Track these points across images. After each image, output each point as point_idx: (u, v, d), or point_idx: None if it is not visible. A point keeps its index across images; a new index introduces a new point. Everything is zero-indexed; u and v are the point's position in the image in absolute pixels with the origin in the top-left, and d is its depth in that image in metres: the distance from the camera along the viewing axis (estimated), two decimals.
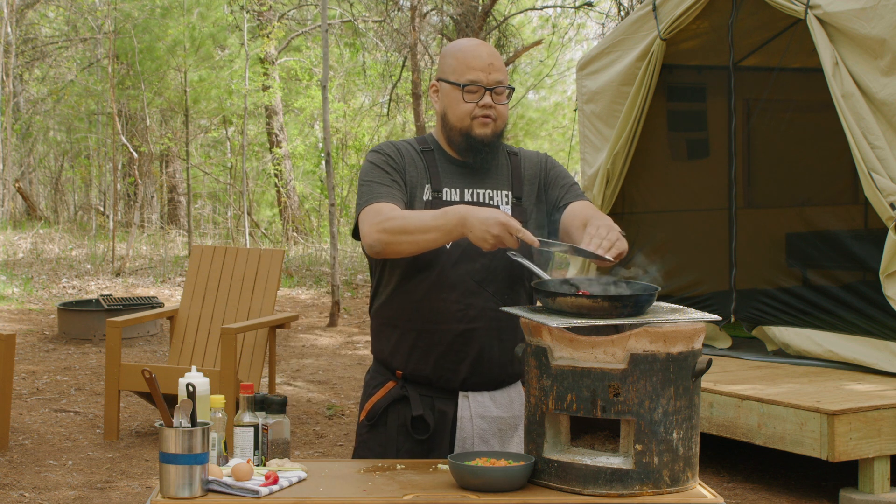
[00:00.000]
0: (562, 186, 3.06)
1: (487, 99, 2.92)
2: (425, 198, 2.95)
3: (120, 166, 19.21)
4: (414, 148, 3.02)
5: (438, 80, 3.00)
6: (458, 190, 2.97)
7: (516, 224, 2.66)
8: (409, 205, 2.94)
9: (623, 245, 2.70)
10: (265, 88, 18.03)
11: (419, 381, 2.95)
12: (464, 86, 2.91)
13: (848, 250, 6.80)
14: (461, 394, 2.94)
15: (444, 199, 2.94)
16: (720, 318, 3.14)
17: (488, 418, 2.95)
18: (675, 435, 2.50)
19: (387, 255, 2.85)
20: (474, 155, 2.96)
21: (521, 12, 19.33)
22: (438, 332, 2.91)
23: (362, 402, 3.06)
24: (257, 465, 2.74)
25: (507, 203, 2.99)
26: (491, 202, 2.98)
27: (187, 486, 2.49)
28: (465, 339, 2.90)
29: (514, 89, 3.02)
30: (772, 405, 5.38)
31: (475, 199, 2.97)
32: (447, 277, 2.89)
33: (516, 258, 2.88)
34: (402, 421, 2.95)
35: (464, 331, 2.90)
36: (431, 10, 15.81)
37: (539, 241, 2.71)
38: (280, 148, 19.08)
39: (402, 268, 2.93)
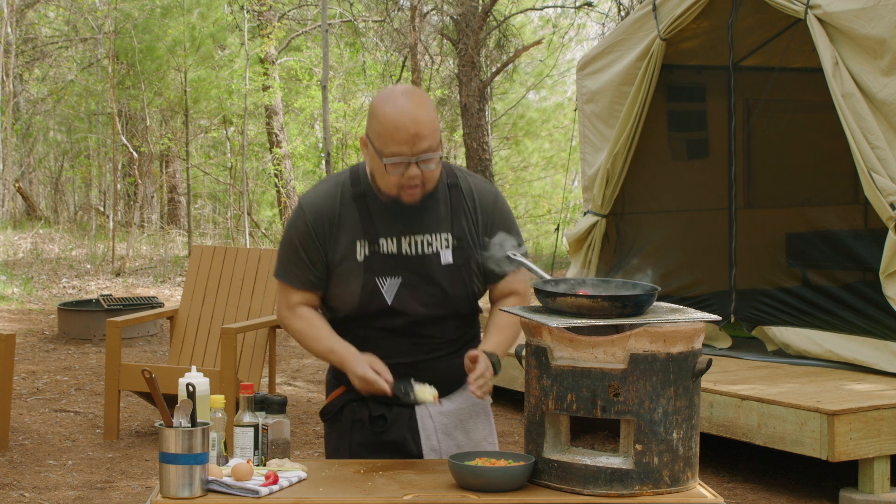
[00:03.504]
0: (506, 252, 2.92)
1: (413, 170, 2.76)
2: (361, 257, 2.88)
3: (120, 166, 19.20)
4: (345, 194, 2.90)
5: (367, 135, 2.82)
6: (394, 239, 2.88)
7: (372, 377, 2.80)
8: (344, 266, 2.88)
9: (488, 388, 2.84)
10: (265, 88, 18.02)
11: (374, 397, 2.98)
12: (385, 162, 2.75)
13: (848, 250, 6.80)
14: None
15: (381, 252, 2.87)
16: (720, 318, 3.14)
17: (446, 413, 2.98)
18: (675, 435, 2.50)
19: None
20: (406, 209, 2.86)
21: (521, 12, 19.33)
22: (388, 366, 2.92)
23: (326, 397, 3.12)
24: (257, 465, 2.74)
25: (447, 247, 2.90)
26: (429, 248, 2.89)
27: (187, 486, 2.49)
28: (414, 368, 2.94)
29: (443, 157, 2.85)
30: (772, 405, 5.38)
31: (413, 251, 2.88)
32: (391, 326, 2.92)
33: (516, 258, 2.88)
34: (358, 417, 2.99)
35: (412, 362, 2.94)
36: (431, 10, 15.81)
37: (392, 391, 2.82)
38: (280, 148, 19.07)
39: (348, 314, 2.95)
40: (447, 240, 2.91)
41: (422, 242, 2.89)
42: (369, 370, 2.83)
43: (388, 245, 2.88)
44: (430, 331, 2.93)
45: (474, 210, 2.94)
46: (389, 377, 2.84)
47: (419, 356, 2.94)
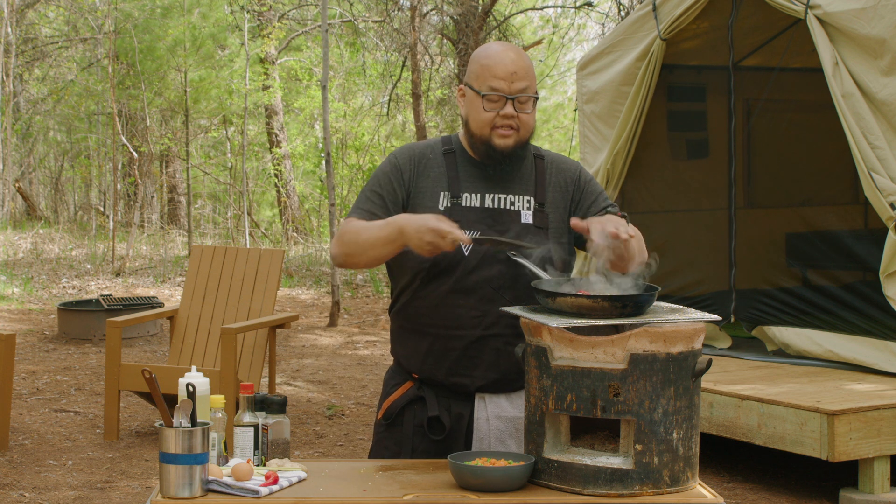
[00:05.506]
0: (594, 200, 3.00)
1: (509, 108, 2.83)
2: (442, 206, 2.90)
3: (120, 166, 19.20)
4: (436, 150, 2.97)
5: (465, 84, 2.92)
6: (478, 195, 2.92)
7: (447, 227, 2.65)
8: (425, 211, 2.86)
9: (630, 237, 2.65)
10: (265, 88, 18.02)
11: (434, 384, 2.94)
12: (484, 95, 2.84)
13: (848, 250, 6.80)
14: (477, 395, 2.93)
15: (462, 204, 2.90)
16: (720, 318, 3.13)
17: (505, 419, 2.94)
18: (675, 435, 2.50)
19: (350, 268, 2.88)
20: (495, 164, 2.90)
21: (521, 12, 19.33)
22: (453, 337, 2.89)
23: (381, 400, 3.06)
24: (257, 465, 2.74)
25: (528, 209, 2.93)
26: (511, 207, 2.92)
27: (187, 486, 2.49)
28: (480, 345, 2.89)
29: (538, 97, 2.92)
30: (772, 405, 5.38)
31: (495, 205, 2.91)
32: (464, 283, 2.87)
33: (516, 258, 2.87)
34: (418, 421, 2.95)
35: (479, 337, 2.88)
36: (431, 9, 15.80)
37: (472, 239, 2.71)
38: (280, 148, 19.08)
39: (420, 272, 2.90)
40: (529, 202, 2.94)
41: (505, 200, 2.93)
42: (443, 221, 2.68)
43: (470, 199, 2.91)
44: (502, 293, 2.88)
45: (563, 178, 2.99)
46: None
47: (487, 329, 2.88)
